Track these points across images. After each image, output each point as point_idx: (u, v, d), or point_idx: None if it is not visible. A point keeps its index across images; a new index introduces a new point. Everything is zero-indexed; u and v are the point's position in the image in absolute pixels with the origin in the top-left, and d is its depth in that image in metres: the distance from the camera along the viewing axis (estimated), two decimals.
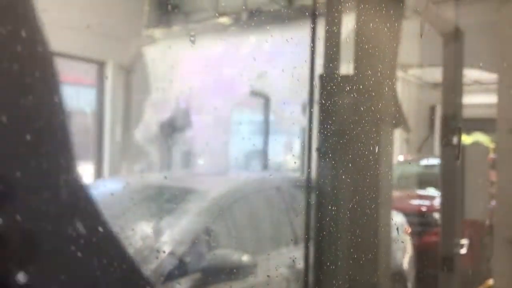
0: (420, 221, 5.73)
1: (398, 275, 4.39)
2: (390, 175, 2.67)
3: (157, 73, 6.00)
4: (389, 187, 2.68)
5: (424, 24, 3.42)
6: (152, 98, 6.12)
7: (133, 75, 6.26)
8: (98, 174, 6.15)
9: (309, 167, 2.46)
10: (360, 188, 2.28)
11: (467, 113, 4.76)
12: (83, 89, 7.37)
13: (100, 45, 5.72)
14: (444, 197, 4.63)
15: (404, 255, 4.64)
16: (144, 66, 6.04)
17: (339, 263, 2.15)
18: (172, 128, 6.19)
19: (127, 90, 6.29)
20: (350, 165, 2.32)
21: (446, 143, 4.39)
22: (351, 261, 2.16)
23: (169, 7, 5.95)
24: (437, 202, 6.15)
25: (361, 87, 2.68)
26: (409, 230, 5.06)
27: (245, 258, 2.94)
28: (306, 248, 2.21)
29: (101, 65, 6.27)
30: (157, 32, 5.96)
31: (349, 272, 2.18)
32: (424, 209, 6.07)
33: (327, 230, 2.18)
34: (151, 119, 6.10)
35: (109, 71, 6.27)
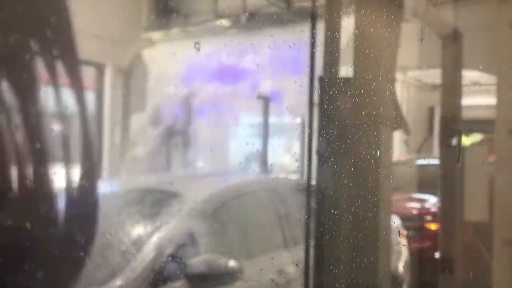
0: (411, 225, 5.67)
1: (394, 279, 4.38)
2: (391, 179, 2.68)
3: (155, 76, 6.01)
4: (389, 191, 2.69)
5: (424, 28, 3.43)
6: (150, 101, 6.12)
7: (132, 78, 6.27)
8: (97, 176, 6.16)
9: (309, 170, 2.46)
10: (361, 191, 2.29)
11: (466, 114, 4.77)
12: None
13: (99, 48, 5.73)
14: (443, 199, 4.63)
15: (399, 258, 4.64)
16: (143, 69, 6.04)
17: (341, 267, 2.16)
18: (171, 131, 6.20)
19: (126, 93, 6.30)
20: (352, 168, 2.32)
21: (446, 145, 4.39)
22: (353, 265, 2.17)
23: (168, 10, 5.96)
24: (429, 205, 6.10)
25: (361, 89, 2.68)
26: (405, 233, 5.04)
27: (231, 263, 2.88)
28: (307, 252, 2.21)
29: (100, 68, 6.28)
30: (156, 35, 5.96)
31: (351, 276, 2.19)
32: (415, 212, 5.98)
33: (328, 233, 2.19)
34: (149, 122, 6.10)
35: (108, 74, 6.28)
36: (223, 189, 3.60)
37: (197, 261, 2.85)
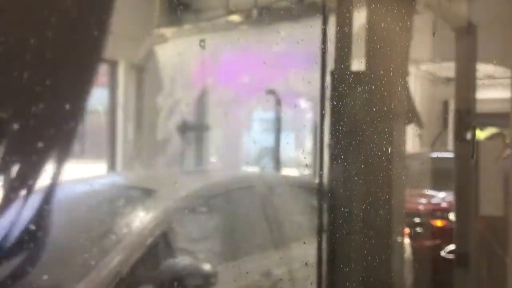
0: (417, 222, 5.54)
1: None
2: (404, 175, 2.66)
3: (168, 72, 6.02)
4: (402, 187, 2.66)
5: (437, 22, 3.39)
6: (164, 97, 6.14)
7: (144, 74, 6.29)
8: (111, 172, 6.20)
9: (321, 165, 2.44)
10: (373, 188, 2.27)
11: (480, 108, 4.72)
12: (95, 88, 7.42)
13: (112, 45, 5.73)
14: (458, 193, 4.60)
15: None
16: (155, 65, 6.06)
17: (353, 265, 2.14)
18: (184, 127, 6.21)
19: (139, 89, 6.32)
20: (363, 165, 2.31)
21: (460, 139, 4.36)
22: (365, 263, 2.15)
23: (180, 6, 5.96)
24: (437, 201, 5.97)
25: (373, 84, 2.66)
26: (407, 231, 4.94)
27: (205, 267, 2.67)
28: (319, 250, 2.20)
29: (113, 64, 6.30)
30: (168, 31, 5.97)
31: (363, 274, 2.17)
32: (422, 208, 5.83)
33: (340, 231, 2.18)
34: (163, 118, 6.12)
35: (121, 71, 6.30)
36: (203, 186, 3.32)
37: (168, 265, 2.66)
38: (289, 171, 6.07)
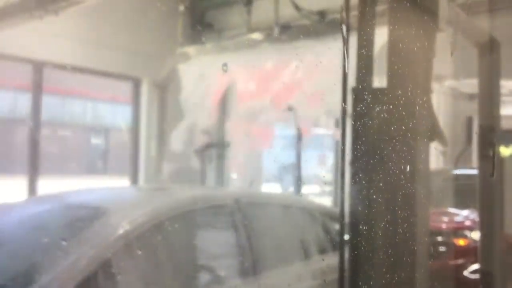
0: (439, 241, 5.44)
1: None
2: (427, 192, 2.63)
3: (191, 89, 6.09)
4: (425, 205, 2.63)
5: (455, 40, 3.38)
6: (185, 114, 6.20)
7: (167, 92, 6.37)
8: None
9: (342, 183, 2.43)
10: (392, 206, 2.25)
11: (506, 124, 4.66)
12: (119, 106, 7.55)
13: (136, 64, 5.85)
14: (482, 210, 4.52)
15: None
16: (178, 83, 6.14)
17: (374, 284, 2.12)
18: (205, 144, 6.26)
19: (161, 107, 6.40)
20: (386, 181, 2.29)
21: (485, 155, 4.30)
22: (384, 281, 2.13)
23: (203, 24, 6.04)
24: (459, 219, 5.88)
25: (395, 100, 2.65)
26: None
27: None
28: (341, 267, 2.18)
29: (136, 82, 6.41)
30: (191, 50, 6.05)
31: None
32: (444, 226, 5.72)
33: (358, 249, 2.16)
34: (184, 135, 6.18)
35: (144, 89, 6.40)
36: (157, 207, 2.89)
37: None
38: (309, 188, 6.04)
